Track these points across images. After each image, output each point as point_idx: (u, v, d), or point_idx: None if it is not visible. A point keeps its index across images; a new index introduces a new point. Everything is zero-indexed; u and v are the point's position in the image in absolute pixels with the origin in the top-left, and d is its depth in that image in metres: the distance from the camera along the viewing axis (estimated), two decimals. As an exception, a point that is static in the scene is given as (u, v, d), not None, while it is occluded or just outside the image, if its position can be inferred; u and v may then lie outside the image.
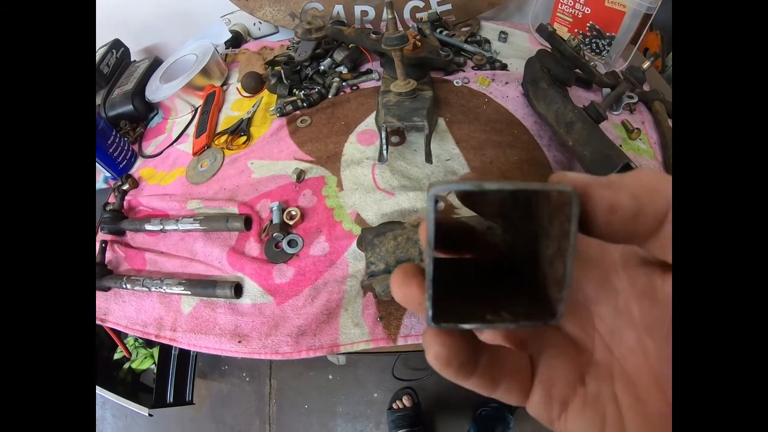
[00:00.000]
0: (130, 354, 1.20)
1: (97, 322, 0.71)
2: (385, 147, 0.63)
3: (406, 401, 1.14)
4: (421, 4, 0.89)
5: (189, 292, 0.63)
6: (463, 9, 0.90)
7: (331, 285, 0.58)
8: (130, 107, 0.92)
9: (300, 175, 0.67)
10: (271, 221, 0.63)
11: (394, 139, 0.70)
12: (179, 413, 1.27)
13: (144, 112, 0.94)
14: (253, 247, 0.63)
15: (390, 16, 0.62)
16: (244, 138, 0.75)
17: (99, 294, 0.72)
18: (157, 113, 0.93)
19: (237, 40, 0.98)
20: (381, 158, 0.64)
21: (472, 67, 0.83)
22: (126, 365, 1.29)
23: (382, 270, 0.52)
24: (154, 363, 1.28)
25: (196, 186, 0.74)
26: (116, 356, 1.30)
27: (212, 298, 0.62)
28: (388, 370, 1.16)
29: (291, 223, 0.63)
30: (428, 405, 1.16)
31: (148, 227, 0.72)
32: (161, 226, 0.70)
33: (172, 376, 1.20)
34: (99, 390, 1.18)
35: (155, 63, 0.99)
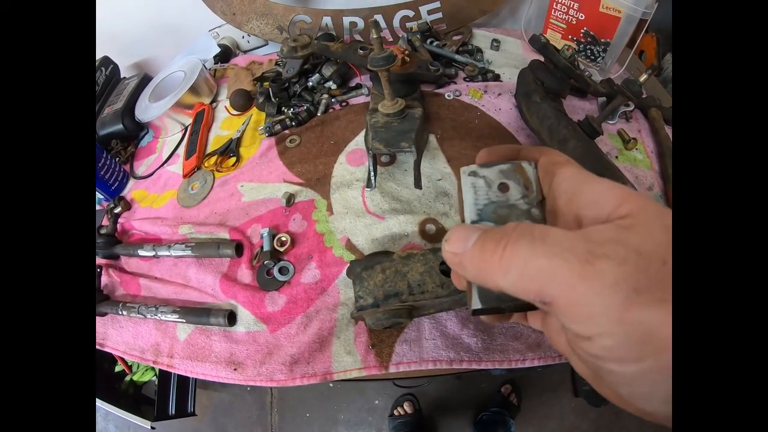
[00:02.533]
0: (131, 369, 1.23)
1: (97, 346, 0.73)
2: (373, 174, 0.64)
3: (407, 408, 1.17)
4: (411, 14, 0.89)
5: (184, 320, 0.64)
6: (455, 17, 0.90)
7: (323, 313, 0.59)
8: (120, 126, 0.93)
9: (290, 199, 0.67)
10: (262, 248, 0.64)
11: (384, 159, 0.71)
12: (181, 424, 1.30)
13: (134, 131, 0.94)
14: (245, 274, 0.64)
15: (375, 36, 0.62)
16: (233, 159, 0.76)
17: (97, 319, 0.74)
18: (148, 132, 0.94)
19: (226, 54, 0.98)
20: (369, 184, 0.64)
21: (464, 78, 0.83)
22: (127, 378, 1.31)
23: (371, 304, 0.53)
24: (155, 375, 1.31)
25: (188, 209, 0.75)
26: (117, 369, 1.33)
27: (207, 326, 0.64)
28: (387, 379, 1.18)
29: (281, 249, 0.64)
30: (429, 411, 1.18)
31: (141, 252, 0.73)
32: (154, 252, 0.72)
33: (174, 388, 1.22)
34: (101, 403, 1.21)
35: (145, 79, 0.99)
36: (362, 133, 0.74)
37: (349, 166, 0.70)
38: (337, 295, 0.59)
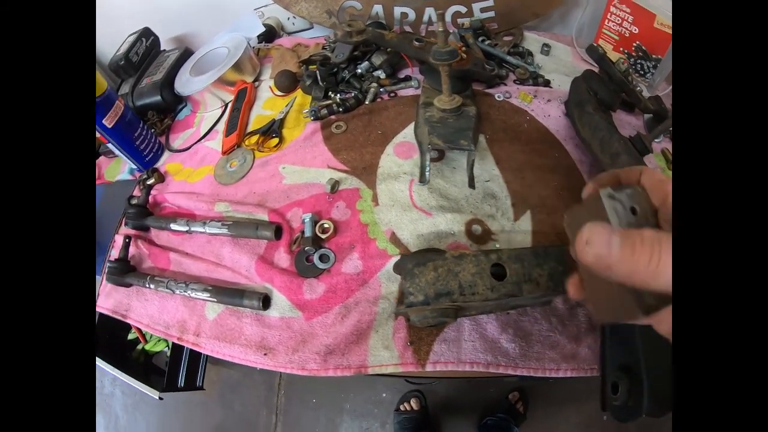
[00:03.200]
0: (146, 340, 1.18)
1: (118, 316, 0.68)
2: (428, 168, 0.59)
3: (414, 404, 1.12)
4: (464, 9, 0.83)
5: (215, 300, 0.59)
6: (506, 17, 0.84)
7: (362, 305, 0.54)
8: (158, 98, 0.88)
9: (334, 185, 0.62)
10: (302, 233, 0.59)
11: (433, 154, 0.65)
12: (188, 396, 1.26)
13: (172, 104, 0.89)
14: (283, 258, 0.59)
15: (441, 29, 0.57)
16: (276, 140, 0.71)
17: (121, 290, 0.69)
18: (186, 105, 0.89)
19: (270, 34, 0.93)
20: (422, 179, 0.59)
21: (515, 81, 0.78)
22: (139, 346, 1.27)
23: (421, 302, 0.48)
24: (167, 347, 1.26)
25: (225, 187, 0.70)
26: (130, 337, 1.28)
27: (238, 307, 0.58)
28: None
29: (323, 236, 0.59)
30: (435, 409, 1.13)
31: (173, 227, 0.68)
32: (187, 227, 0.66)
33: (185, 362, 1.18)
34: (111, 368, 1.16)
35: (185, 54, 0.94)
36: (411, 126, 0.69)
37: (397, 158, 0.65)
38: (379, 289, 0.54)
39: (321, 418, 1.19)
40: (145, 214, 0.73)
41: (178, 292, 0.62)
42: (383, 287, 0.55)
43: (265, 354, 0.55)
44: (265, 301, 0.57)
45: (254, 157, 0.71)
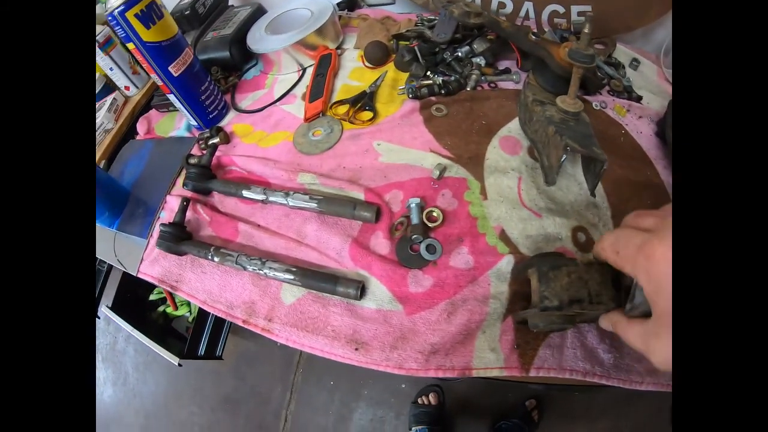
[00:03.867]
0: (176, 307, 1.02)
1: (165, 287, 0.54)
2: (558, 169, 0.47)
3: (432, 398, 1.02)
4: (562, 10, 0.72)
5: (299, 283, 0.46)
6: (601, 24, 0.73)
7: (470, 303, 0.43)
8: (226, 54, 0.73)
9: (442, 172, 0.50)
10: (407, 218, 0.47)
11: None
12: (203, 365, 1.12)
13: (240, 62, 0.74)
14: (381, 244, 0.47)
15: (587, 31, 0.46)
16: (370, 114, 0.58)
17: (171, 257, 0.55)
18: (256, 65, 0.74)
19: (352, 2, 0.79)
20: (550, 179, 0.48)
21: (608, 92, 0.67)
22: (161, 308, 1.11)
23: (555, 306, 0.39)
24: (189, 311, 1.11)
25: (307, 156, 0.56)
26: (152, 297, 1.12)
27: (325, 294, 0.46)
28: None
29: (431, 225, 0.46)
30: (452, 407, 1.03)
31: (246, 194, 0.54)
32: (264, 196, 0.53)
33: (208, 330, 1.03)
34: (130, 328, 1.01)
35: (258, 11, 0.79)
36: (515, 121, 0.57)
37: (504, 153, 0.53)
38: (488, 288, 0.43)
39: (336, 401, 1.07)
40: (208, 176, 0.58)
41: (250, 269, 0.49)
42: (493, 286, 0.44)
43: (356, 349, 0.43)
44: (362, 291, 0.44)
45: (342, 128, 0.57)
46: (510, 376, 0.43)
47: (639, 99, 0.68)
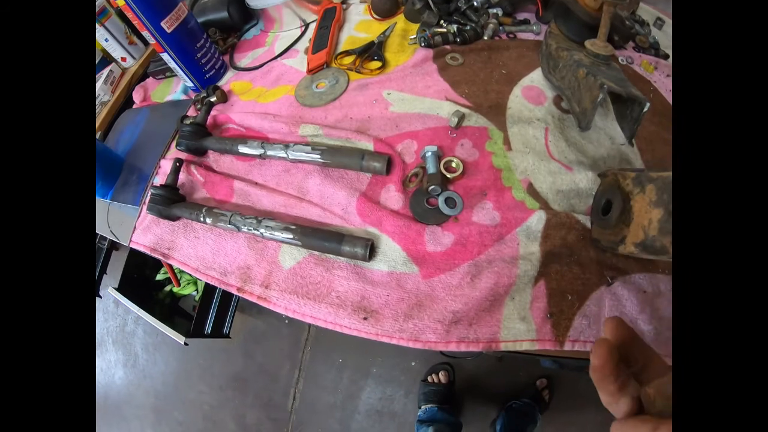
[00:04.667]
0: (179, 283, 0.94)
1: (157, 255, 0.45)
2: (592, 112, 0.38)
3: (442, 377, 0.92)
4: (582, -37, 0.61)
5: (299, 243, 0.37)
6: (624, -20, 0.62)
7: (497, 265, 0.34)
8: (224, 14, 0.63)
9: (461, 119, 0.40)
10: (422, 168, 0.37)
11: (564, 105, 0.44)
12: (210, 343, 1.03)
13: (239, 22, 0.65)
14: (393, 198, 0.38)
15: None
16: (378, 63, 0.48)
17: (164, 224, 0.46)
18: (256, 24, 0.64)
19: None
20: (585, 124, 0.39)
21: (634, 48, 0.57)
22: (167, 288, 1.03)
23: None
24: (196, 290, 1.03)
25: (310, 109, 0.47)
26: (158, 277, 1.03)
27: (329, 255, 0.37)
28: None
29: (450, 176, 0.37)
30: (462, 386, 0.94)
31: (242, 149, 0.45)
32: (262, 150, 0.44)
33: (215, 308, 0.94)
34: (136, 309, 0.92)
35: (258, -30, 0.68)
36: (537, 71, 0.48)
37: (528, 102, 0.44)
38: (516, 248, 0.34)
39: (345, 379, 0.99)
40: (202, 134, 0.49)
41: (245, 229, 0.40)
42: (522, 246, 0.35)
43: (365, 318, 0.34)
44: (371, 250, 0.35)
45: (349, 79, 0.48)
46: (543, 350, 0.34)
47: (666, 57, 0.58)
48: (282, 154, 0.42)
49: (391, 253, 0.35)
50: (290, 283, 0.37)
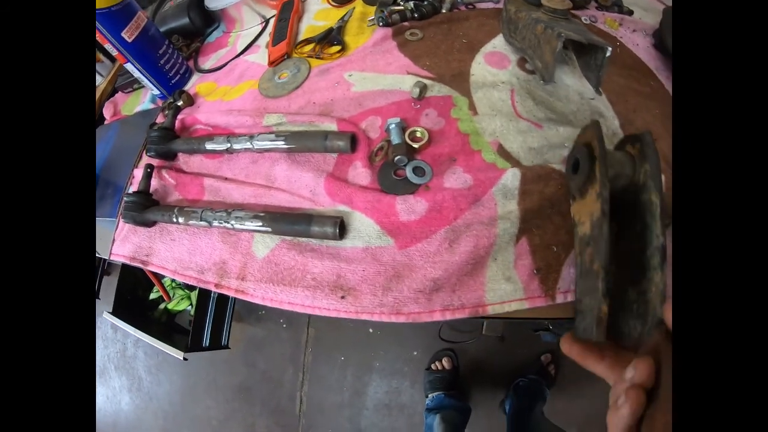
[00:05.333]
0: (170, 297, 0.92)
1: (137, 264, 0.44)
2: (553, 64, 0.37)
3: (445, 363, 0.91)
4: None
5: (269, 229, 0.36)
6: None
7: (475, 228, 0.33)
8: (185, 20, 0.62)
9: (422, 90, 0.40)
10: (387, 141, 0.37)
11: (529, 66, 0.44)
12: (211, 355, 1.01)
13: (201, 26, 0.64)
14: (361, 174, 0.37)
15: None
16: (338, 47, 0.47)
17: (141, 231, 0.45)
18: (218, 26, 0.63)
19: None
20: (547, 77, 0.38)
21: (596, 8, 0.57)
22: (162, 306, 1.01)
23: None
24: (191, 305, 1.01)
25: (274, 100, 0.46)
26: (152, 296, 1.02)
27: (301, 239, 0.36)
28: (431, 330, 0.92)
29: (416, 146, 0.36)
30: (467, 370, 0.93)
31: (209, 146, 0.44)
32: (227, 145, 0.43)
33: (210, 320, 0.93)
34: (133, 330, 0.91)
35: (216, -26, 0.68)
36: (499, 37, 0.47)
37: (491, 67, 0.43)
38: (494, 208, 0.33)
39: (349, 376, 0.97)
40: (170, 138, 0.48)
41: (216, 224, 0.39)
42: (500, 206, 0.34)
43: (342, 297, 0.33)
44: (342, 228, 0.34)
45: (310, 66, 0.47)
46: (533, 309, 0.32)
47: (630, 13, 0.58)
48: (248, 145, 0.42)
49: (365, 229, 0.34)
50: (265, 271, 0.36)
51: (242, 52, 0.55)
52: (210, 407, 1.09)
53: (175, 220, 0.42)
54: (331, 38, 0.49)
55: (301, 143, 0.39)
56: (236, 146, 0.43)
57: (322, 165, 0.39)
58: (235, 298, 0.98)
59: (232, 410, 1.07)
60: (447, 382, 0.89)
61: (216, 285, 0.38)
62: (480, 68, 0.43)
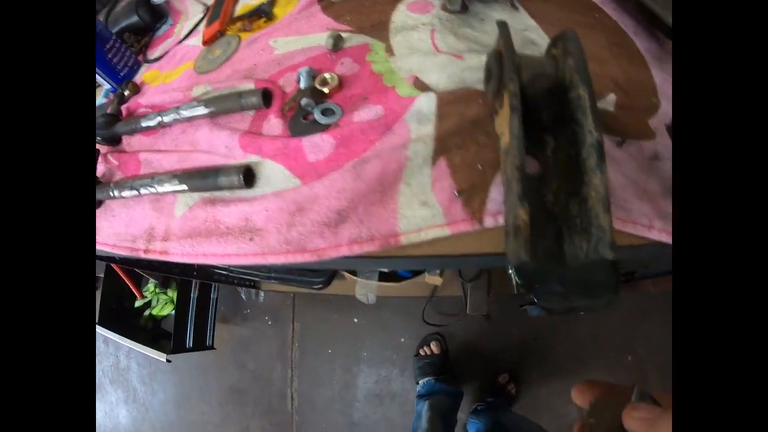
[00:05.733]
0: (142, 294, 0.93)
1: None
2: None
3: (434, 347, 0.89)
4: None
5: (185, 186, 0.36)
6: None
7: (386, 154, 0.32)
8: (135, 18, 0.65)
9: (337, 42, 0.40)
10: (300, 91, 0.37)
11: (452, 6, 0.44)
12: (202, 359, 1.02)
13: (150, 22, 0.66)
14: (274, 125, 0.37)
15: None
16: (264, 19, 0.48)
17: None
18: (166, 21, 0.66)
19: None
20: (453, 3, 0.38)
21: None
22: (146, 312, 1.02)
23: None
24: (174, 309, 1.02)
25: (205, 75, 0.48)
26: (137, 304, 1.03)
27: (215, 193, 0.36)
28: (416, 315, 0.90)
29: (325, 90, 0.36)
30: (457, 353, 0.90)
31: (144, 123, 0.45)
32: (159, 119, 0.44)
33: (192, 321, 0.93)
34: (121, 339, 0.92)
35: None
36: (423, -12, 0.46)
37: (413, 13, 0.43)
38: (407, 134, 0.32)
39: (337, 369, 0.96)
40: (114, 122, 0.50)
41: (143, 191, 0.39)
42: (413, 131, 0.32)
43: (251, 239, 0.32)
44: (248, 176, 0.34)
45: (240, 39, 0.48)
46: (459, 233, 0.29)
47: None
48: (176, 116, 0.42)
49: (274, 175, 0.34)
50: (184, 229, 0.36)
51: (184, 39, 0.57)
52: (205, 412, 1.09)
53: (112, 194, 0.42)
54: (260, 12, 0.50)
55: (220, 105, 0.39)
56: (166, 119, 0.43)
57: (240, 124, 0.39)
58: (217, 297, 0.97)
59: (226, 414, 1.06)
60: (437, 366, 0.86)
61: (145, 251, 0.39)
62: (401, 15, 0.43)
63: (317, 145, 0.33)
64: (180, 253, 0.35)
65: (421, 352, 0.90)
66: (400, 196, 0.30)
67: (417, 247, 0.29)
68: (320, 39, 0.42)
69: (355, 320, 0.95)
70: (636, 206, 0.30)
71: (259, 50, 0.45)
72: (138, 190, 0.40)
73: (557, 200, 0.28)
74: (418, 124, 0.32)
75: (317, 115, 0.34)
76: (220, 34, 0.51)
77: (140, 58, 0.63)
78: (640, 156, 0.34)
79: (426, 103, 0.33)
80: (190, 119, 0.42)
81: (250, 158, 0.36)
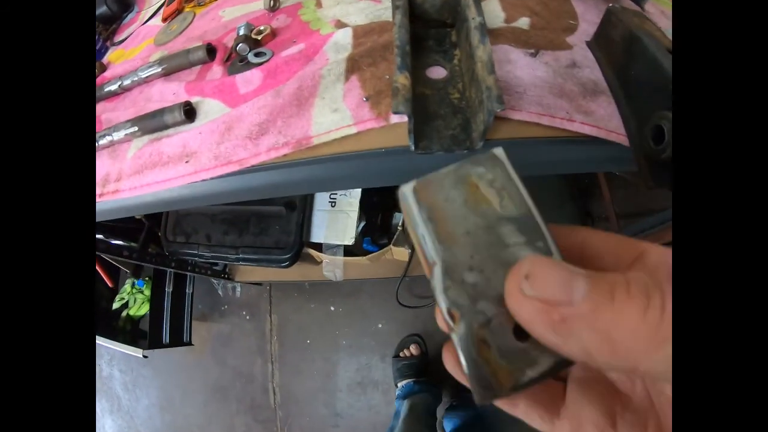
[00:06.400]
0: (114, 284, 0.96)
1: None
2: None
3: (413, 350, 0.90)
4: None
5: (136, 128, 0.41)
6: None
7: (304, 78, 0.37)
8: (103, 8, 0.72)
9: (274, 3, 0.46)
10: (236, 39, 0.42)
11: None
12: (182, 359, 1.03)
13: (119, 11, 0.74)
14: (215, 72, 0.43)
15: None
16: (216, -7, 0.55)
17: None
18: (133, 10, 0.73)
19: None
20: None
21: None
22: (124, 313, 1.05)
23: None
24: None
25: (163, 45, 0.54)
26: (115, 306, 1.06)
27: (162, 132, 0.41)
28: (392, 300, 0.92)
29: (259, 38, 0.42)
30: (436, 354, 0.91)
31: (106, 88, 0.51)
32: (119, 82, 0.50)
33: (167, 315, 0.96)
34: (101, 340, 0.94)
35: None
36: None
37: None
38: (325, 62, 0.38)
39: (317, 359, 0.97)
40: (81, 97, 0.56)
41: (101, 142, 0.44)
42: (331, 58, 0.38)
43: (187, 161, 0.37)
44: (189, 112, 0.39)
45: (195, 14, 0.55)
46: (365, 132, 0.32)
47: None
48: (133, 77, 0.48)
49: (211, 110, 0.39)
50: (134, 167, 0.41)
51: (148, 20, 0.64)
52: (189, 415, 1.09)
53: (75, 156, 0.47)
54: (215, -11, 0.57)
55: (171, 62, 0.45)
56: (126, 82, 0.49)
57: (188, 76, 0.45)
58: (192, 292, 0.99)
59: (210, 414, 1.06)
60: (416, 368, 0.87)
61: (100, 195, 0.43)
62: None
63: (248, 79, 0.39)
64: (129, 187, 0.40)
65: (401, 354, 0.90)
66: (315, 108, 0.35)
67: (328, 146, 0.33)
68: (261, 4, 0.49)
69: (332, 308, 0.97)
70: (552, 102, 0.32)
71: (210, 20, 0.52)
72: (98, 142, 0.45)
73: (463, 96, 0.33)
74: (336, 53, 0.38)
75: (251, 57, 0.40)
76: (178, 12, 0.58)
77: (108, 43, 0.70)
78: (555, 63, 0.36)
79: (342, 35, 0.38)
80: (146, 79, 0.48)
81: (193, 99, 0.41)
